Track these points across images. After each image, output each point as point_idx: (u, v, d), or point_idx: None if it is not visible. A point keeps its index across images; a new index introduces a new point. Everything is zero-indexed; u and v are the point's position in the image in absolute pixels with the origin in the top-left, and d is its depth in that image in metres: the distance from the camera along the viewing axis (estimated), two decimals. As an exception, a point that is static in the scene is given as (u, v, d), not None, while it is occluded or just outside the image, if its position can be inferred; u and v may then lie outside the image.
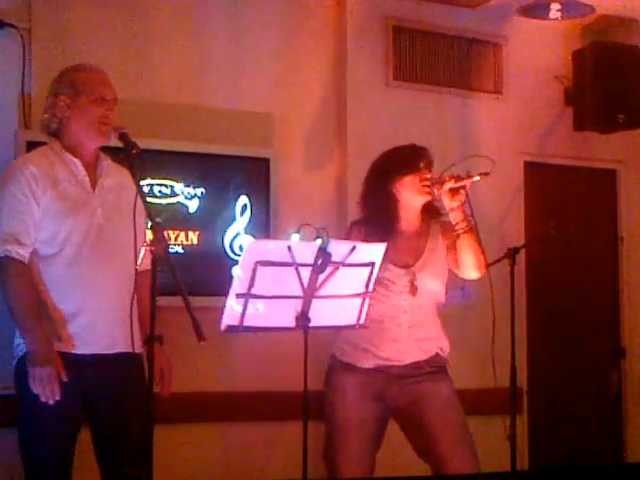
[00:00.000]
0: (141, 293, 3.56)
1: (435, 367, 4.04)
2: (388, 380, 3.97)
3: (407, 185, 4.02)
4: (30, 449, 3.58)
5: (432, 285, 3.99)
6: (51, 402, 3.45)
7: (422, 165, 4.02)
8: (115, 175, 3.75)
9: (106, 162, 3.74)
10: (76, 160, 3.66)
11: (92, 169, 3.71)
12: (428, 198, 4.02)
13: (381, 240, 3.83)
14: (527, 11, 5.21)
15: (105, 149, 3.80)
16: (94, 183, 3.69)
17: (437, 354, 4.06)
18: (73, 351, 3.57)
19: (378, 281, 3.73)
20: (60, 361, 3.48)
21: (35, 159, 3.68)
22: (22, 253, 3.54)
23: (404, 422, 4.06)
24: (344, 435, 3.97)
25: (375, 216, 4.06)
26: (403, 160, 4.06)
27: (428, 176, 3.99)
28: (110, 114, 3.66)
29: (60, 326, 3.57)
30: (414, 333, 3.98)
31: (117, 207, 3.62)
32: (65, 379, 3.46)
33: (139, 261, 3.20)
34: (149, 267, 3.24)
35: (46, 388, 3.43)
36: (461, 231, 3.95)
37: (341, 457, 3.97)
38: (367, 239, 3.92)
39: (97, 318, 3.59)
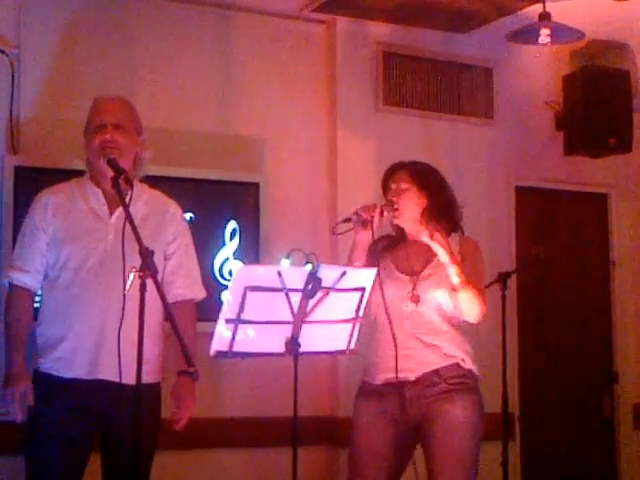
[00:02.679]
0: (180, 323, 3.37)
1: (455, 383, 3.87)
2: (403, 403, 3.87)
3: None
4: (33, 471, 3.66)
5: (437, 295, 3.90)
6: (18, 420, 3.61)
7: (385, 192, 4.06)
8: (144, 203, 3.79)
9: (135, 190, 3.60)
10: (97, 190, 3.78)
11: (117, 198, 3.66)
12: (395, 221, 4.02)
13: (392, 249, 4.00)
14: (517, 36, 5.22)
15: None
16: (114, 211, 3.74)
17: (457, 364, 3.91)
18: (59, 374, 3.64)
19: (384, 288, 3.80)
20: (29, 384, 3.62)
21: (55, 190, 3.86)
22: (23, 279, 3.75)
23: (420, 441, 3.98)
24: (357, 458, 3.94)
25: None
26: (382, 183, 4.14)
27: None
28: (106, 137, 3.71)
29: (48, 349, 3.69)
30: (420, 339, 3.88)
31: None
32: (31, 403, 3.61)
33: (127, 287, 3.17)
34: (186, 297, 3.44)
35: (9, 407, 3.62)
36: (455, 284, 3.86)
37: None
38: (383, 251, 4.01)
39: (80, 343, 3.63)
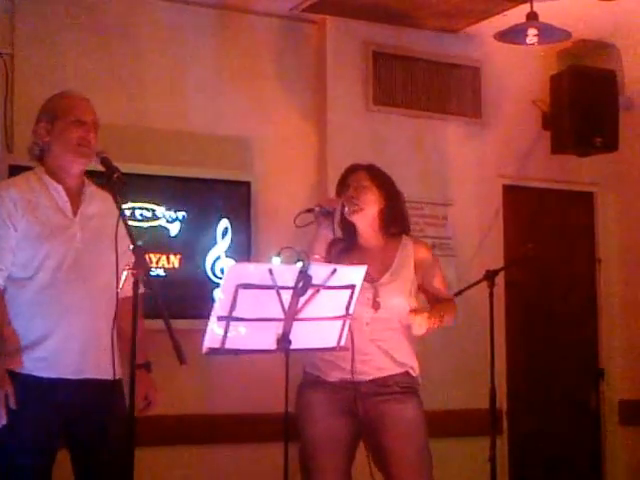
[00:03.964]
0: (121, 320, 3.46)
1: (404, 387, 3.99)
2: (357, 396, 3.93)
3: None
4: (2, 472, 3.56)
5: (396, 302, 3.97)
6: (2, 423, 3.46)
7: (344, 189, 4.08)
8: (99, 202, 3.73)
9: (90, 188, 3.74)
10: (58, 185, 3.67)
11: (76, 194, 3.70)
12: (353, 216, 4.05)
13: (346, 254, 4.00)
14: (504, 36, 5.26)
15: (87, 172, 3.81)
16: (76, 209, 3.68)
17: (407, 372, 4.01)
18: (41, 375, 3.55)
19: None
20: (11, 387, 3.48)
21: (16, 184, 3.72)
22: None
23: (365, 434, 4.04)
24: (316, 453, 3.95)
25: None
26: (337, 188, 4.18)
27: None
28: (89, 136, 3.66)
29: (17, 351, 3.56)
30: (378, 345, 3.95)
31: (99, 233, 3.60)
32: (13, 406, 3.47)
33: (120, 285, 3.20)
34: (129, 294, 3.27)
35: None
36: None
37: (315, 476, 3.97)
38: (338, 255, 4.01)
39: (66, 343, 3.57)
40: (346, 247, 4.08)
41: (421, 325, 3.90)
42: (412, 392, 4.02)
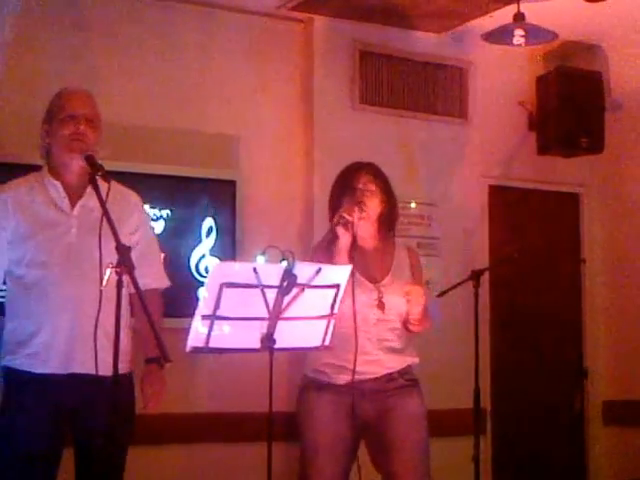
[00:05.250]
0: (146, 312, 3.37)
1: (408, 380, 4.03)
2: (362, 396, 3.94)
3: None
4: (4, 472, 3.58)
5: (399, 301, 3.97)
6: None
7: (349, 191, 4.01)
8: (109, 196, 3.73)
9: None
10: (56, 182, 3.70)
11: (77, 190, 3.70)
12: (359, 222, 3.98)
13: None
14: (491, 37, 5.27)
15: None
16: (75, 203, 3.70)
17: (409, 366, 4.06)
18: (34, 370, 3.58)
19: (349, 295, 3.78)
20: None
21: (12, 185, 3.78)
22: None
23: (368, 433, 4.04)
24: (316, 455, 3.96)
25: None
26: (337, 187, 4.12)
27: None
28: (81, 128, 3.67)
29: (19, 346, 3.61)
30: (384, 345, 3.98)
31: (97, 227, 3.60)
32: None
33: (104, 282, 3.19)
34: (152, 286, 3.29)
35: None
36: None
37: (313, 478, 3.97)
38: (333, 258, 3.94)
39: (53, 337, 3.59)
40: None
41: (419, 298, 3.88)
42: (415, 385, 4.07)
